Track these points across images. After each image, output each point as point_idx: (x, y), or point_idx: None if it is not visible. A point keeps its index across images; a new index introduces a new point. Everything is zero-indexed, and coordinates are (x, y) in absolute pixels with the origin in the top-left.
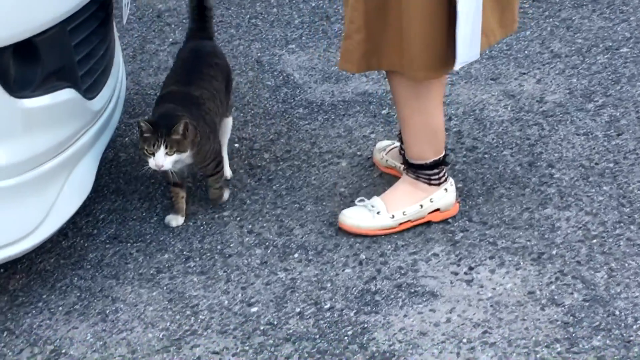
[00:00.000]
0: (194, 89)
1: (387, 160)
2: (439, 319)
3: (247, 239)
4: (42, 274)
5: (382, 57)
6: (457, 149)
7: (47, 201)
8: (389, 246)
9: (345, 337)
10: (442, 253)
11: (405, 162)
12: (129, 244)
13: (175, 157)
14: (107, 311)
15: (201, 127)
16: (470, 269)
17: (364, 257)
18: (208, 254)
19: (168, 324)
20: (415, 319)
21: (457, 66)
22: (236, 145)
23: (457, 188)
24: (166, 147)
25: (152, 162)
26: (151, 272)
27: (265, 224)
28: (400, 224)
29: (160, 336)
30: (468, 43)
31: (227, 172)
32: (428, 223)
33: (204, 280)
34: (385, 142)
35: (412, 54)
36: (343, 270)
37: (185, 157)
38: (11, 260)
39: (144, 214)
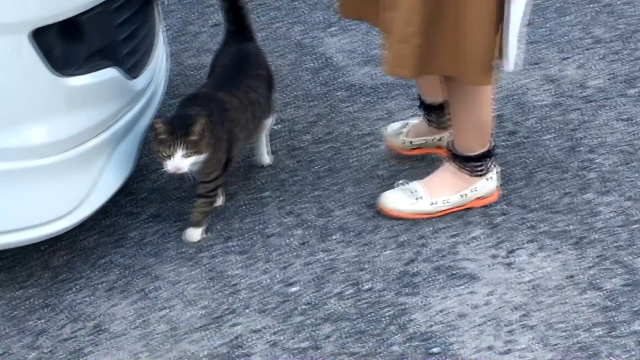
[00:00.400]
0: (223, 94)
1: (411, 142)
2: (478, 301)
3: (286, 219)
4: (84, 251)
5: (435, 63)
6: (498, 133)
7: (89, 179)
8: (429, 229)
9: (384, 318)
10: (481, 236)
11: (450, 151)
12: (169, 223)
13: (193, 159)
14: (148, 289)
15: (218, 131)
16: (510, 252)
17: (403, 239)
18: (248, 234)
19: (208, 302)
20: (454, 301)
21: (511, 67)
22: (277, 126)
23: (501, 170)
24: (184, 149)
25: (170, 165)
26: (191, 251)
27: (305, 205)
28: (440, 211)
29: (201, 314)
30: (516, 44)
31: (266, 159)
32: (468, 207)
33: (244, 259)
34: (396, 125)
35: (470, 60)
36: (382, 252)
37: (202, 159)
38: (53, 237)
39: (184, 194)
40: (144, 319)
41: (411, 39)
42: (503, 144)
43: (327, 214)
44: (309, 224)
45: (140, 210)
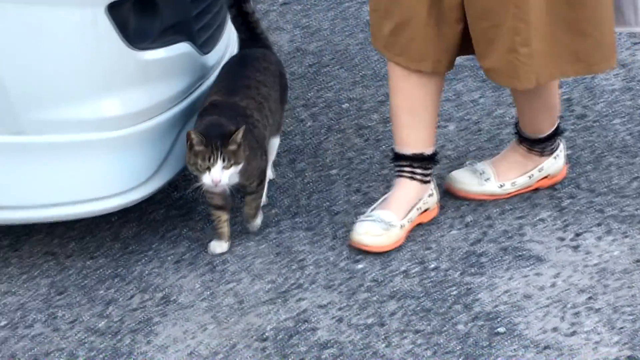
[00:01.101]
0: (238, 99)
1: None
2: (544, 283)
3: (353, 197)
4: (152, 223)
5: (553, 67)
6: (567, 116)
7: (160, 152)
8: (496, 210)
9: (450, 297)
10: (548, 218)
11: (518, 134)
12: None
13: (232, 170)
14: (216, 262)
15: (249, 139)
16: (577, 235)
17: (470, 219)
18: (315, 211)
19: (275, 276)
20: (520, 282)
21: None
22: (345, 105)
23: (571, 153)
24: (223, 160)
25: (208, 179)
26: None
27: (372, 184)
28: (508, 193)
29: (267, 288)
30: None
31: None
32: (536, 190)
33: (311, 236)
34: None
35: (595, 48)
36: (449, 232)
37: (240, 170)
38: (123, 209)
39: None
40: (211, 291)
41: (521, 48)
42: (572, 127)
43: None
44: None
45: None
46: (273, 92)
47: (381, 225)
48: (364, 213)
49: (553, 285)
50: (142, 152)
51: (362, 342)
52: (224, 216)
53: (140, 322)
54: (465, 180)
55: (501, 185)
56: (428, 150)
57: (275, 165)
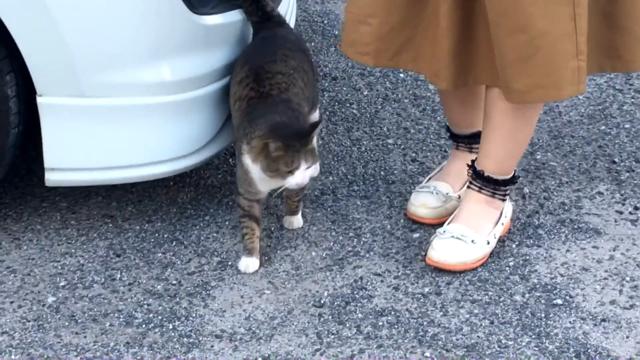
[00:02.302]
0: (269, 88)
1: (459, 197)
2: (602, 255)
3: (410, 167)
4: (209, 189)
5: (594, 63)
6: (626, 89)
7: (218, 119)
8: (553, 182)
9: (507, 268)
10: (606, 192)
11: (480, 179)
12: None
13: (313, 169)
14: (272, 228)
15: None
16: (636, 209)
17: (527, 191)
18: (371, 180)
19: (331, 244)
20: (577, 254)
21: None
22: (402, 75)
23: (630, 127)
24: (307, 161)
25: (293, 182)
26: (315, 193)
27: (428, 154)
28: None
29: (324, 255)
30: None
31: None
32: (594, 163)
33: (367, 204)
34: (430, 199)
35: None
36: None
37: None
38: (180, 173)
39: None
40: (267, 257)
41: (578, 57)
42: (631, 100)
43: None
44: (432, 172)
45: None
46: (303, 65)
47: (437, 197)
48: (420, 183)
49: (611, 258)
50: (200, 118)
51: (419, 311)
52: (257, 230)
53: (197, 285)
54: (457, 252)
55: (488, 243)
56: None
57: (331, 133)
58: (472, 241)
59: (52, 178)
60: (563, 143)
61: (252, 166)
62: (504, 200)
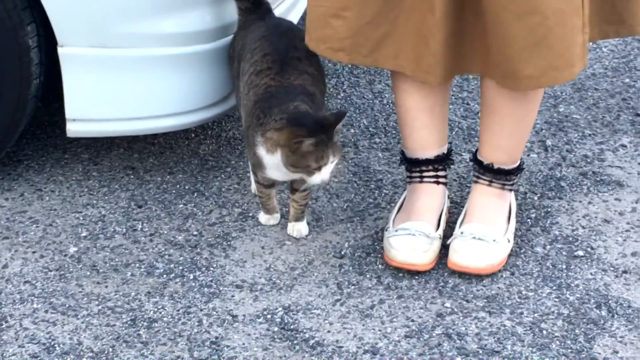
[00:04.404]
0: (293, 78)
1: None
2: (624, 208)
3: None
4: (230, 141)
5: (604, 25)
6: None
7: None
8: (576, 134)
9: (528, 220)
10: (630, 144)
11: (490, 172)
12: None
13: (336, 163)
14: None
15: None
16: None
17: (549, 143)
18: (393, 132)
19: (352, 195)
20: (599, 206)
21: None
22: None
23: None
24: (333, 155)
25: (318, 179)
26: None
27: (451, 107)
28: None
29: (344, 207)
30: None
31: None
32: (618, 115)
33: (388, 156)
34: (421, 243)
35: None
36: (528, 155)
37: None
38: (202, 125)
39: (330, 90)
40: (288, 208)
41: (583, 30)
42: None
43: (472, 116)
44: (454, 124)
45: None
46: (322, 72)
47: (423, 240)
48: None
49: (633, 210)
50: (222, 69)
51: (439, 262)
52: (272, 192)
53: (218, 236)
54: (481, 255)
55: (509, 240)
56: (446, 148)
57: (353, 86)
58: (494, 240)
59: (73, 129)
60: (586, 96)
61: (268, 158)
62: (511, 190)
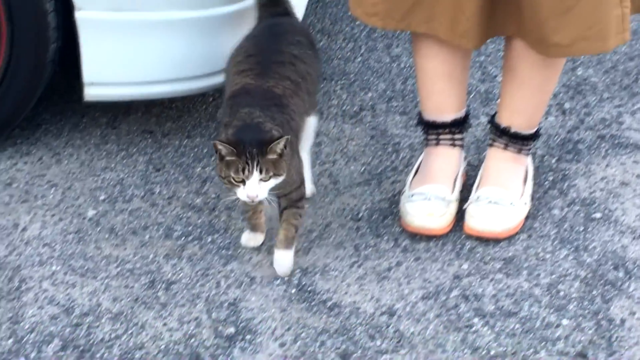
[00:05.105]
0: (274, 83)
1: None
2: None
3: None
4: None
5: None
6: None
7: None
8: (594, 98)
9: (546, 182)
10: None
11: (506, 135)
12: (333, 82)
13: (272, 182)
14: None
15: (289, 136)
16: None
17: (567, 106)
18: (410, 96)
19: (370, 159)
20: (617, 169)
21: None
22: None
23: None
24: (260, 172)
25: (243, 193)
26: (354, 109)
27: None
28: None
29: (362, 170)
30: None
31: (310, 189)
32: (636, 79)
33: (406, 120)
34: (438, 206)
35: None
36: (546, 119)
37: (281, 181)
38: (219, 89)
39: (348, 54)
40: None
41: (622, 4)
42: None
43: (490, 80)
44: (472, 88)
45: None
46: (312, 70)
47: (439, 204)
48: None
49: None
50: (239, 33)
51: (456, 224)
52: (259, 206)
53: (236, 199)
54: (498, 218)
55: (525, 203)
56: (463, 112)
57: (371, 50)
58: (511, 204)
59: (91, 93)
60: (604, 59)
61: None
62: (527, 155)
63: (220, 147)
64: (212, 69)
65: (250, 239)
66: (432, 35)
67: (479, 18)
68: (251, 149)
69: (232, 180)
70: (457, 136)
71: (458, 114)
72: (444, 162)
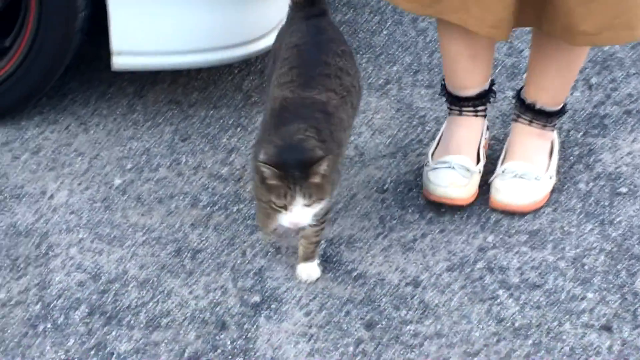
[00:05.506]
0: (317, 93)
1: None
2: None
3: None
4: None
5: None
6: None
7: (286, 5)
8: (620, 73)
9: (571, 157)
10: None
11: (531, 111)
12: (359, 55)
13: (316, 207)
14: None
15: (331, 147)
16: None
17: (594, 81)
18: (436, 69)
19: (395, 131)
20: None
21: None
22: None
23: None
24: (304, 197)
25: (285, 220)
26: (380, 82)
27: (496, 45)
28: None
29: (388, 142)
30: None
31: None
32: None
33: (432, 93)
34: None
35: None
36: (572, 94)
37: (324, 205)
38: (245, 60)
39: (374, 27)
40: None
41: None
42: None
43: (516, 54)
44: (499, 62)
45: None
46: (355, 82)
47: (462, 173)
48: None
49: None
50: (267, 3)
51: (482, 197)
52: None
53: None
54: (523, 192)
55: (551, 177)
56: (487, 85)
57: (397, 23)
58: (536, 178)
59: (118, 62)
60: None
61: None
62: (553, 129)
63: (263, 168)
64: (239, 39)
65: (309, 269)
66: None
67: (509, 9)
68: (293, 171)
69: (273, 205)
70: (480, 107)
71: (482, 87)
72: (467, 131)
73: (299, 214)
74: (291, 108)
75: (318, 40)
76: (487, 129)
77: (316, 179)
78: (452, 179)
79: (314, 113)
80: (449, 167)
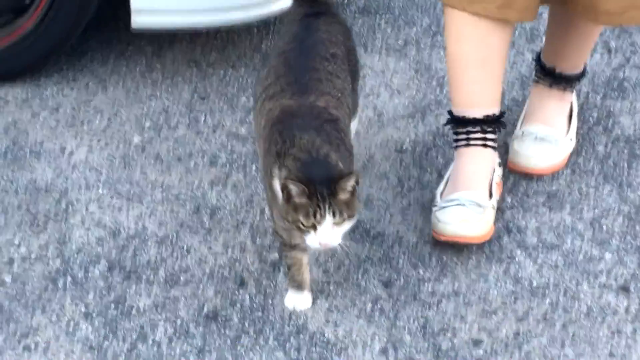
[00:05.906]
0: (314, 99)
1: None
2: None
3: None
4: None
5: None
6: None
7: None
8: None
9: (590, 119)
10: None
11: (551, 76)
12: (378, 16)
13: (346, 226)
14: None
15: (346, 159)
16: None
17: (613, 45)
18: None
19: (414, 92)
20: None
21: None
22: None
23: None
24: (334, 215)
25: (314, 240)
26: (399, 43)
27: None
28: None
29: (406, 103)
30: None
31: (354, 124)
32: None
33: None
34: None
35: None
36: (591, 57)
37: (353, 223)
38: (264, 21)
39: None
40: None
41: None
42: None
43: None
44: (518, 25)
45: (348, 2)
46: (346, 84)
47: (474, 210)
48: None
49: None
50: None
51: (500, 158)
52: (304, 259)
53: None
54: (546, 155)
55: (571, 139)
56: (497, 109)
57: None
58: (556, 141)
59: (138, 20)
60: None
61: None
62: (572, 92)
63: (291, 186)
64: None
65: (297, 300)
66: (469, 14)
67: None
68: (321, 188)
69: (301, 225)
70: (490, 136)
71: (490, 109)
72: (476, 165)
73: (329, 233)
74: (294, 118)
75: (306, 45)
76: (500, 165)
77: (345, 196)
78: (463, 215)
79: (322, 123)
80: (459, 204)
